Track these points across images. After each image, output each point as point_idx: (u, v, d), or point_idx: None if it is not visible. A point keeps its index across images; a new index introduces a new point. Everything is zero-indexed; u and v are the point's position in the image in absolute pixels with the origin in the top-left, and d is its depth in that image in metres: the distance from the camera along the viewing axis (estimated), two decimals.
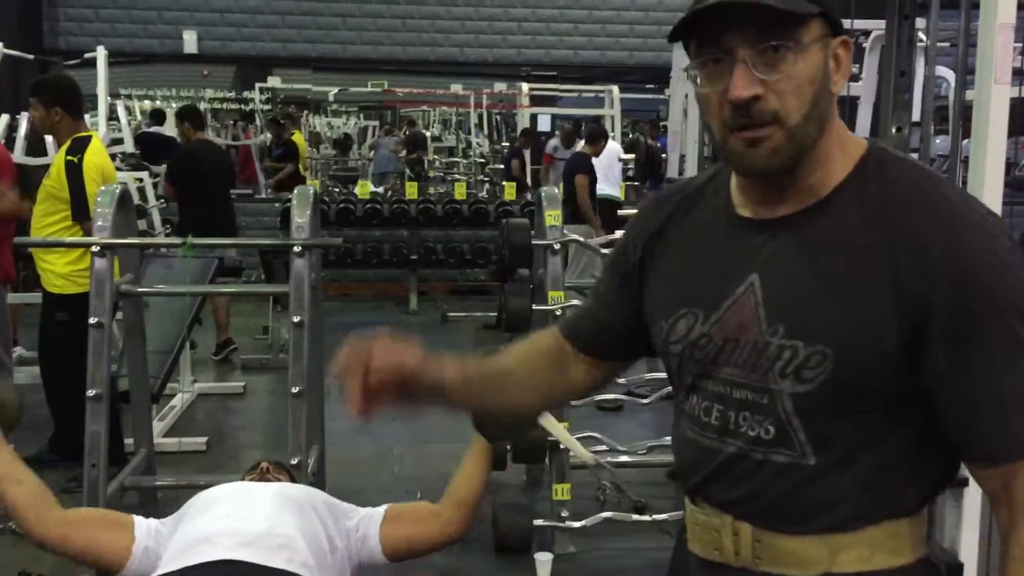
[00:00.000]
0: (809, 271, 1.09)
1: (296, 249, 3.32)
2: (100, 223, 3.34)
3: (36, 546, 2.16)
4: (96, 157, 4.17)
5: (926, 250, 1.03)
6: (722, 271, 1.15)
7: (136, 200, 7.68)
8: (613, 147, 8.60)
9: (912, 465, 1.11)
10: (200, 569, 1.83)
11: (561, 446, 3.58)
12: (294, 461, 3.32)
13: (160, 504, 3.84)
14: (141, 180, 7.86)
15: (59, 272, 4.14)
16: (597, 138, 7.70)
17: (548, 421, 1.69)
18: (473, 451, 2.32)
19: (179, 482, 3.76)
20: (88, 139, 4.22)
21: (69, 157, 4.12)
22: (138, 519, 2.18)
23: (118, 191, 3.41)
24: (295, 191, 3.53)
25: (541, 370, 1.37)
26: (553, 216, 3.65)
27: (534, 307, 3.63)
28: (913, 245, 1.04)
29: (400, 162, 12.92)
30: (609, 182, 8.13)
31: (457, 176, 12.30)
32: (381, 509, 2.29)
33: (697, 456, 1.19)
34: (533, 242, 3.70)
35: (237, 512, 2.04)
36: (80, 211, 4.05)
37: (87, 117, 5.75)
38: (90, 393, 3.29)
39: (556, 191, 3.92)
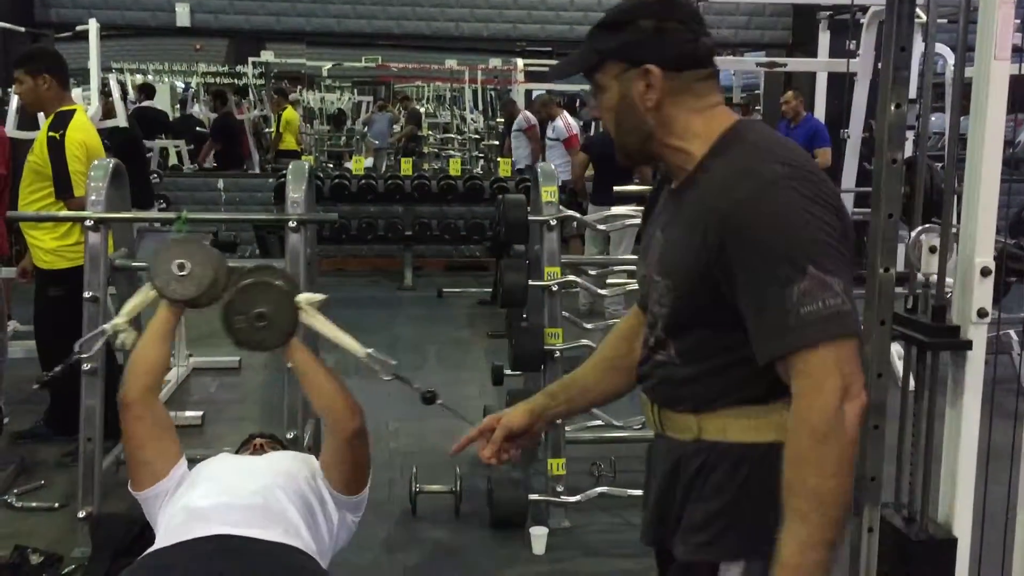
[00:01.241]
0: (671, 228, 1.51)
1: (291, 224, 3.32)
2: (94, 197, 3.33)
3: (122, 405, 2.14)
4: (79, 133, 4.09)
5: (726, 210, 1.36)
6: (652, 230, 1.58)
7: None
8: None
9: (747, 363, 1.40)
10: (195, 544, 1.83)
11: (557, 422, 3.60)
12: (290, 435, 3.33)
13: None
14: None
15: (47, 248, 4.12)
16: None
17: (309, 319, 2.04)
18: (289, 358, 2.30)
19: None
20: (71, 113, 4.14)
21: (51, 133, 4.06)
22: (184, 463, 2.20)
23: (111, 165, 3.39)
24: (291, 166, 3.51)
25: (617, 354, 1.74)
26: (549, 192, 3.64)
27: (530, 283, 3.63)
28: (719, 206, 1.37)
29: (395, 138, 12.89)
30: None
31: (452, 152, 12.26)
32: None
33: (641, 360, 1.60)
34: (529, 218, 3.69)
35: (231, 487, 2.04)
36: (62, 188, 4.01)
37: (79, 91, 5.73)
38: (85, 367, 3.28)
39: (552, 167, 3.90)
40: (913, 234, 2.43)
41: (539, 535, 3.41)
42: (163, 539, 1.91)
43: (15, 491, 3.79)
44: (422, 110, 14.99)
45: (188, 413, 4.83)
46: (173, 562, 1.79)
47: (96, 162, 3.47)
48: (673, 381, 1.51)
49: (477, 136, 12.84)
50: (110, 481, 3.58)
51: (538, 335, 3.63)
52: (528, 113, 9.55)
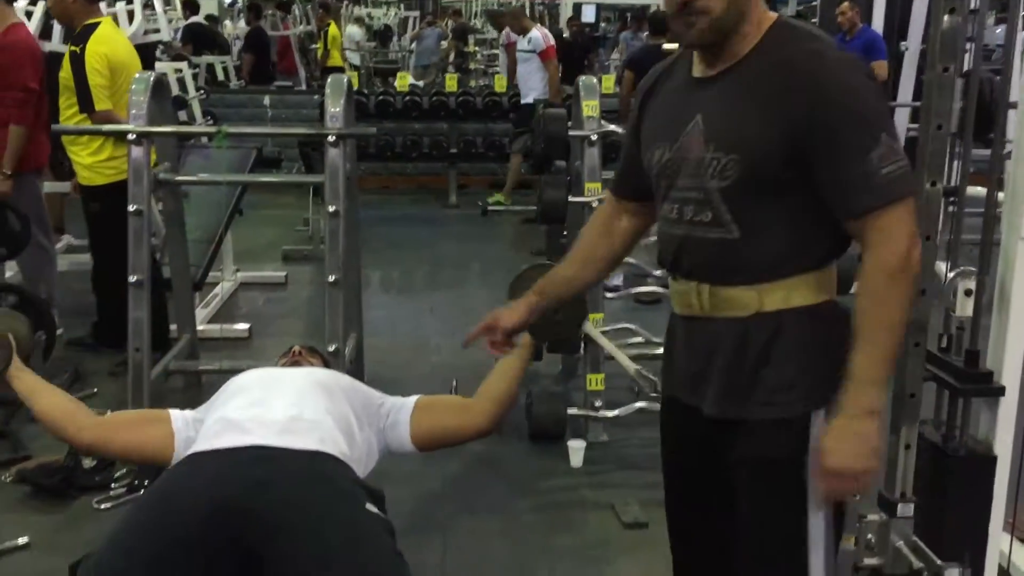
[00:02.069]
0: (730, 107, 1.60)
1: (330, 139, 3.30)
2: (135, 111, 3.34)
3: (83, 453, 2.23)
4: (100, 46, 4.07)
5: (805, 88, 1.52)
6: (681, 115, 1.65)
7: (176, 91, 7.72)
8: None
9: (810, 232, 1.60)
10: (230, 453, 1.87)
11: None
12: (331, 348, 3.37)
13: (203, 388, 3.95)
14: (180, 71, 7.86)
15: (84, 164, 4.17)
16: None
17: (593, 332, 1.93)
18: (516, 352, 2.29)
19: (222, 366, 3.84)
20: (94, 27, 4.13)
21: (72, 47, 4.07)
22: (173, 412, 2.21)
23: (152, 79, 3.39)
24: (329, 80, 3.49)
25: (595, 245, 1.92)
26: (591, 107, 3.58)
27: (570, 199, 3.59)
28: (796, 85, 1.53)
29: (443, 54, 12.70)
30: None
31: (498, 69, 12.10)
32: (412, 399, 2.32)
33: (667, 242, 1.71)
34: (570, 133, 3.64)
35: (266, 397, 2.07)
36: (84, 103, 4.03)
37: (122, 4, 5.72)
38: (132, 279, 3.35)
39: (595, 81, 3.82)
40: (949, 276, 2.36)
41: (576, 448, 3.44)
42: (201, 445, 1.96)
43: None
44: (471, 25, 14.75)
45: (236, 326, 4.91)
46: (210, 467, 1.84)
47: (137, 75, 3.47)
48: (730, 256, 1.61)
49: None
50: (159, 390, 3.68)
51: None
52: (546, 31, 8.34)
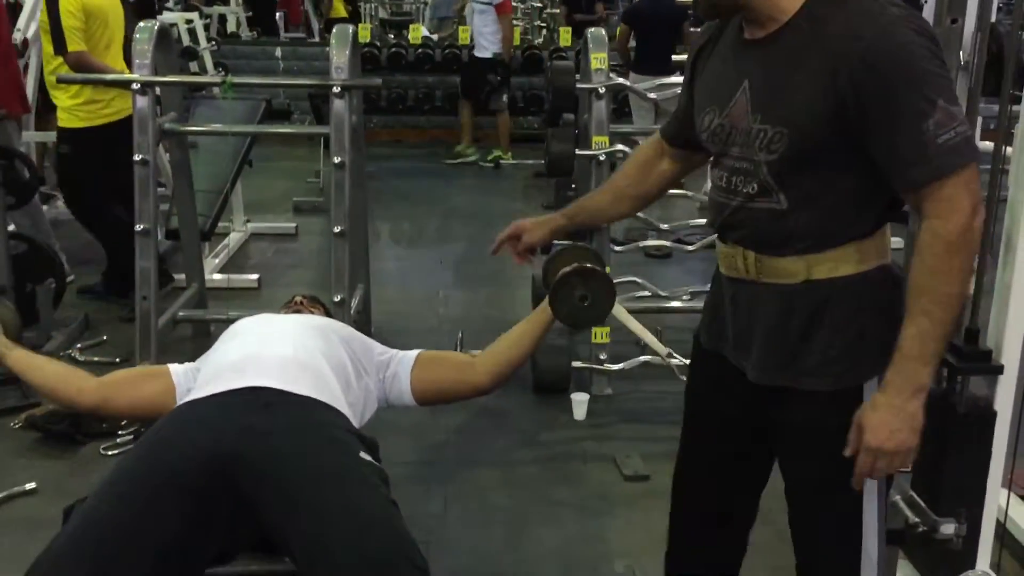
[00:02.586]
0: (775, 75, 1.53)
1: (335, 90, 3.29)
2: (139, 61, 3.33)
3: (86, 414, 2.23)
4: None
5: (855, 53, 1.43)
6: (730, 79, 1.60)
7: (186, 41, 7.68)
8: None
9: (860, 201, 1.54)
10: (227, 396, 1.87)
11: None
12: (337, 299, 3.39)
13: (212, 336, 3.96)
14: (191, 21, 7.81)
15: (64, 106, 4.18)
16: None
17: (621, 313, 2.17)
18: (533, 318, 2.29)
19: (229, 315, 3.85)
20: None
21: None
22: (172, 366, 2.21)
23: (156, 27, 3.38)
24: (334, 31, 3.46)
25: (631, 181, 1.94)
26: (599, 59, 3.54)
27: (577, 152, 3.57)
28: (845, 51, 1.44)
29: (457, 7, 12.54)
30: None
31: (514, 22, 11.93)
32: (414, 352, 2.31)
33: (717, 209, 1.67)
34: (578, 86, 3.61)
35: (262, 340, 2.08)
36: (57, 44, 4.04)
37: None
38: (138, 228, 3.36)
39: (603, 33, 3.78)
40: None
41: (580, 401, 3.46)
42: (196, 392, 1.96)
43: (79, 345, 3.95)
44: None
45: (245, 276, 4.93)
46: (203, 413, 1.84)
47: (142, 24, 3.45)
48: (779, 227, 1.56)
49: (540, 5, 12.46)
50: (167, 338, 3.72)
51: None
52: None
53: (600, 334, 3.64)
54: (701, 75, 1.70)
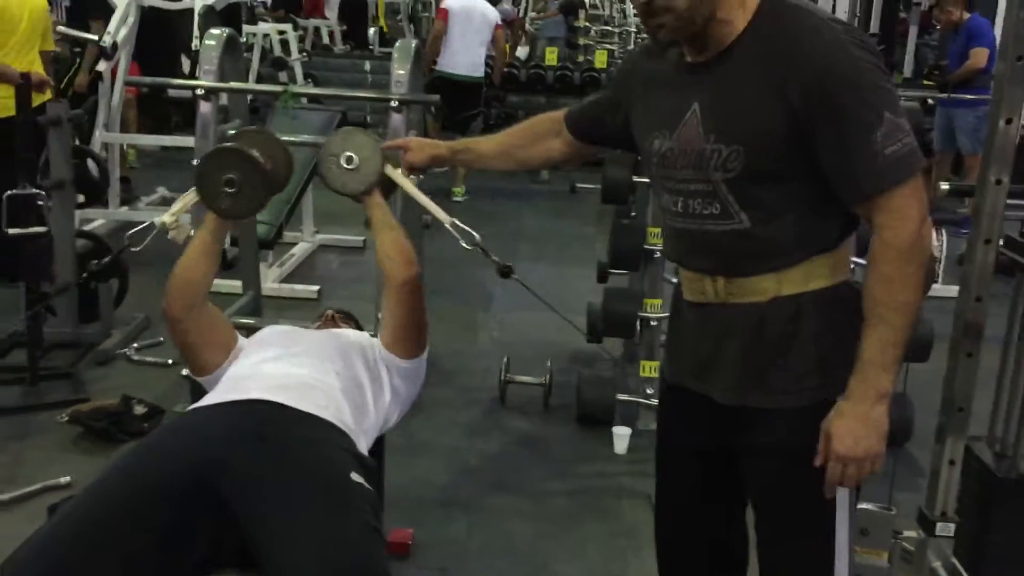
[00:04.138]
0: (725, 95, 1.52)
1: (393, 104, 3.28)
2: (207, 67, 3.38)
3: (169, 319, 2.13)
4: None
5: (803, 70, 1.45)
6: (677, 102, 1.58)
7: (278, 51, 7.85)
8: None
9: (821, 210, 1.53)
10: (231, 406, 1.85)
11: (652, 323, 3.51)
12: (380, 315, 3.36)
13: None
14: (283, 32, 7.99)
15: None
16: None
17: (397, 175, 2.11)
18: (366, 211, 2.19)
19: (279, 324, 3.87)
20: None
21: None
22: (241, 340, 2.18)
23: (225, 35, 3.42)
24: (396, 45, 3.46)
25: (521, 143, 1.96)
26: None
27: (635, 178, 3.48)
28: (793, 68, 1.45)
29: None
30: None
31: (608, 46, 11.89)
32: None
33: (675, 237, 1.66)
34: None
35: (280, 356, 2.05)
36: None
37: None
38: (192, 233, 3.39)
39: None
40: None
41: (621, 435, 3.36)
42: (207, 399, 1.95)
43: (135, 345, 4.02)
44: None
45: (306, 286, 4.97)
46: (205, 420, 1.83)
47: (213, 30, 3.49)
48: (743, 246, 1.55)
49: (635, 29, 12.39)
50: None
51: (638, 233, 3.51)
52: (505, 6, 7.89)
53: (648, 367, 3.54)
54: (640, 100, 1.68)
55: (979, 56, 6.39)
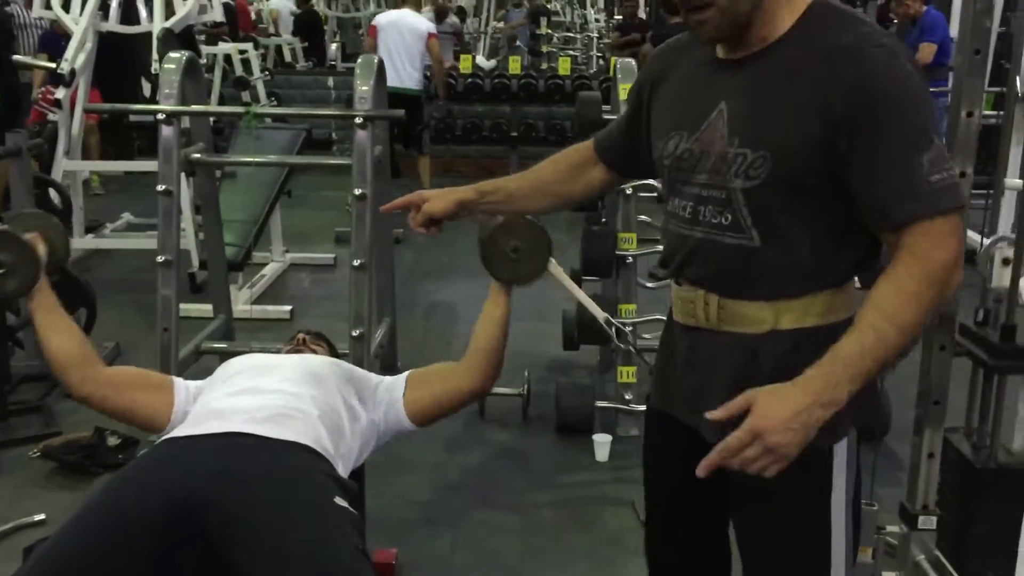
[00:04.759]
0: (760, 97, 1.41)
1: (357, 120, 3.26)
2: (167, 90, 3.34)
3: (77, 401, 2.17)
4: None
5: (854, 80, 1.34)
6: (702, 101, 1.47)
7: (239, 71, 7.80)
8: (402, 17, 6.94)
9: (837, 244, 1.43)
10: (205, 440, 1.82)
11: (628, 328, 3.50)
12: (355, 333, 3.34)
13: None
14: (244, 52, 7.94)
15: None
16: None
17: (557, 272, 2.01)
18: (489, 299, 2.17)
19: (252, 347, 3.83)
20: None
21: None
22: (178, 381, 2.18)
23: (185, 59, 3.39)
24: (359, 61, 3.44)
25: (557, 179, 1.80)
26: (626, 90, 3.46)
27: None
28: (843, 76, 1.34)
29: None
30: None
31: (571, 52, 11.92)
32: (403, 376, 2.24)
33: (677, 243, 1.53)
34: (604, 116, 3.53)
35: (253, 385, 2.02)
36: None
37: None
38: (160, 259, 3.36)
39: (633, 64, 3.70)
40: (986, 243, 2.20)
41: (602, 442, 3.35)
42: (179, 430, 1.92)
43: None
44: (550, 6, 14.56)
45: (278, 307, 4.93)
46: (178, 454, 1.80)
47: (171, 54, 3.46)
48: (748, 266, 1.44)
49: (597, 35, 12.44)
50: (190, 369, 3.70)
51: (610, 239, 3.51)
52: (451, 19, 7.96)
53: (626, 373, 3.54)
54: (660, 100, 1.58)
55: (925, 51, 6.47)
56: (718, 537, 1.69)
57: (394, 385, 2.21)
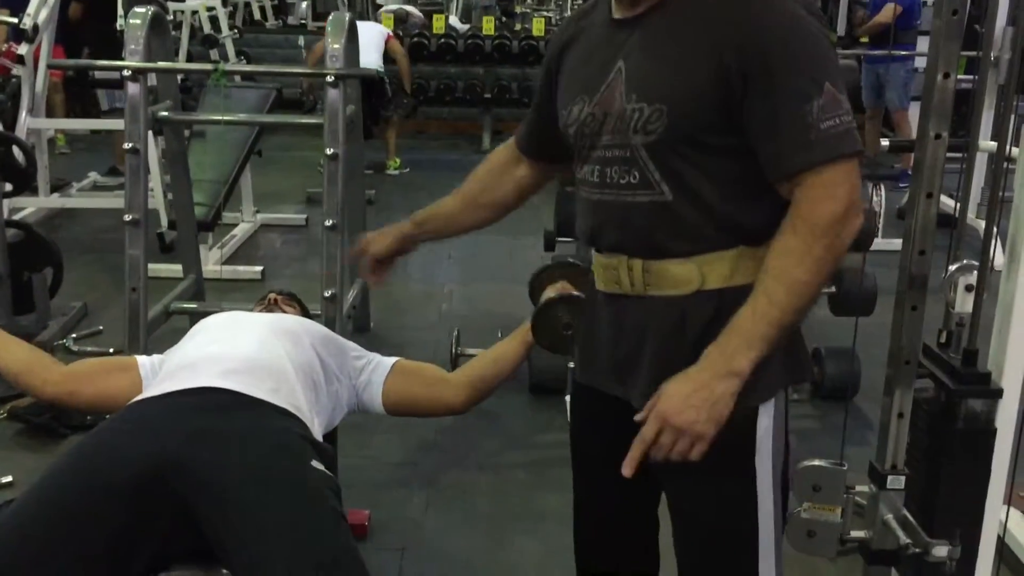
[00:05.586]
0: (654, 51, 1.40)
1: (329, 79, 3.20)
2: (132, 47, 3.27)
3: (48, 404, 2.17)
4: None
5: (742, 26, 1.33)
6: (601, 62, 1.45)
7: (207, 29, 7.65)
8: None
9: (748, 198, 1.39)
10: (177, 396, 1.79)
11: None
12: (327, 294, 3.31)
13: None
14: (212, 9, 7.78)
15: None
16: None
17: None
18: (514, 338, 2.21)
19: (223, 307, 3.79)
20: None
21: None
22: (140, 358, 2.14)
23: (150, 14, 3.31)
24: (330, 18, 3.38)
25: (485, 188, 1.77)
26: None
27: None
28: (732, 23, 1.33)
29: None
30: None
31: (545, 12, 11.82)
32: (391, 360, 2.23)
33: (588, 210, 1.49)
34: None
35: (225, 339, 2.00)
36: None
37: None
38: (127, 218, 3.30)
39: None
40: (950, 270, 2.21)
41: None
42: (149, 391, 1.89)
43: (73, 335, 3.92)
44: None
45: (249, 267, 4.88)
46: (150, 414, 1.76)
47: (136, 9, 3.38)
48: (663, 221, 1.40)
49: None
50: (160, 330, 3.66)
51: None
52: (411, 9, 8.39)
53: None
54: (565, 70, 1.54)
55: (886, 12, 6.50)
56: (648, 513, 1.66)
57: (377, 367, 2.20)
